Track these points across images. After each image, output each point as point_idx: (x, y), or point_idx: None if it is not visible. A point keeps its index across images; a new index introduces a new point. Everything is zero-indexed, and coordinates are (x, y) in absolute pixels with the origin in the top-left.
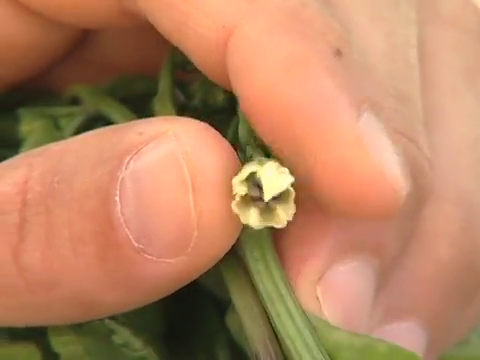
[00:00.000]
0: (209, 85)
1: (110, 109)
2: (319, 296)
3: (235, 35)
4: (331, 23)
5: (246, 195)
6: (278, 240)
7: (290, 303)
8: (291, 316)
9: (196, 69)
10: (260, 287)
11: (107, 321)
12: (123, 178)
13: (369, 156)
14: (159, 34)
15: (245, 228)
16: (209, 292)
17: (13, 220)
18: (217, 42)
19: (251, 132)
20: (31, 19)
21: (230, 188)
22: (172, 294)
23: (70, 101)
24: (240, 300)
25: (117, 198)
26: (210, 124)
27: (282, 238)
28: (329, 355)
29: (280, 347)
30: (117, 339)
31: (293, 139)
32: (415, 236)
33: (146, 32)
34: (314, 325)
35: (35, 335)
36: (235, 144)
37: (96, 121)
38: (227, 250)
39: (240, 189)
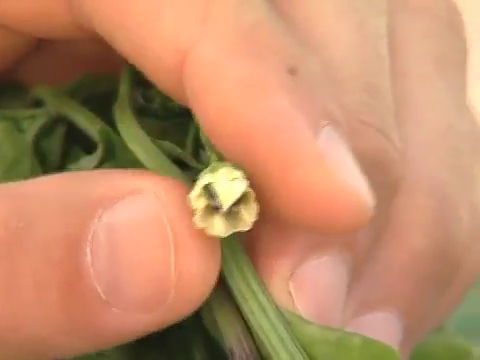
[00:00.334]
0: None
1: (72, 111)
2: (292, 291)
3: (190, 59)
4: (285, 41)
5: (207, 206)
6: (249, 239)
7: (263, 299)
8: (264, 312)
9: None
10: (232, 285)
11: None
12: (95, 230)
13: (331, 173)
14: None
15: None
16: None
17: None
18: (174, 66)
19: None
20: None
21: (211, 248)
22: None
23: (33, 103)
24: (213, 297)
25: (88, 249)
26: (170, 128)
27: (253, 236)
28: (304, 349)
29: (254, 342)
30: None
31: (254, 162)
32: (388, 227)
33: None
34: (288, 320)
35: None
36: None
37: (58, 123)
38: (201, 303)
39: (198, 203)
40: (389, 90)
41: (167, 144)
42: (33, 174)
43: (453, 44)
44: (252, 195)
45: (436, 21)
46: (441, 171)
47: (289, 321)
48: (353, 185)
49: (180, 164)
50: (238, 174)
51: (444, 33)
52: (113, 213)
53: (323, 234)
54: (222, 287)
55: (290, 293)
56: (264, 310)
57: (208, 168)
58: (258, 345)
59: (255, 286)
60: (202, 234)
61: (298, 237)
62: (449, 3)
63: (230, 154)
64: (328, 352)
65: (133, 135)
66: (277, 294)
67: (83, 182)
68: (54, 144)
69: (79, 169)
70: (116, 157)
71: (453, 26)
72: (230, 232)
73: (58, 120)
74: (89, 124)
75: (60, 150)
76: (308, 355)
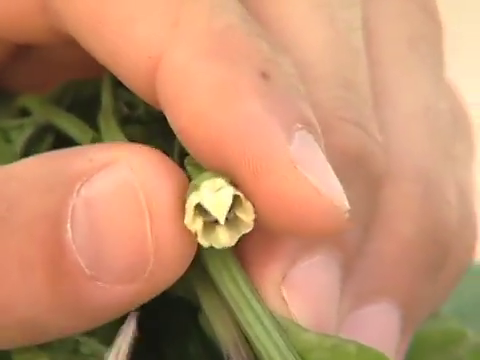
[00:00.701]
0: None
1: (60, 119)
2: (285, 296)
3: (162, 65)
4: (257, 44)
5: (205, 223)
6: (238, 249)
7: (257, 307)
8: (260, 320)
9: None
10: (226, 295)
11: None
12: (74, 205)
13: (304, 178)
14: None
15: None
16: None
17: None
18: (146, 72)
19: None
20: None
21: (183, 212)
22: None
23: (19, 112)
24: (209, 306)
25: (68, 225)
26: (155, 133)
27: (241, 246)
28: (300, 356)
29: (252, 349)
30: (84, 349)
31: (227, 168)
32: (376, 219)
33: None
34: (284, 327)
35: None
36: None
37: (46, 132)
38: (182, 272)
39: (196, 226)
40: (366, 83)
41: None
42: None
43: (426, 23)
44: (242, 195)
45: (407, 2)
46: (423, 156)
47: (285, 328)
48: (326, 190)
49: None
50: (221, 182)
51: (416, 13)
52: (90, 186)
53: (300, 239)
54: (217, 294)
55: (283, 298)
56: (259, 319)
57: (190, 187)
58: (255, 353)
59: (249, 295)
60: (175, 203)
61: (286, 241)
62: None
63: (204, 161)
64: (324, 359)
65: None
66: (271, 300)
67: (61, 159)
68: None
69: None
70: None
71: (426, 6)
72: (236, 238)
73: (46, 129)
74: (80, 133)
75: None
76: None
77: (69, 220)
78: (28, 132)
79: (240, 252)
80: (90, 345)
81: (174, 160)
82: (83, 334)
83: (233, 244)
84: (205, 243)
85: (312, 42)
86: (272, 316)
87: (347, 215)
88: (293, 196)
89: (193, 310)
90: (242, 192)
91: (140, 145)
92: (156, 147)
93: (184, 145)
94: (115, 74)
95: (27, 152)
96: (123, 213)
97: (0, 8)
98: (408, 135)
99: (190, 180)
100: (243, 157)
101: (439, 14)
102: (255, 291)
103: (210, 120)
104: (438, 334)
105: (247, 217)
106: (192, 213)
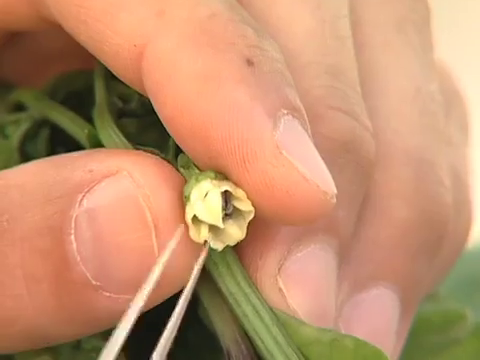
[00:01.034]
0: None
1: (55, 113)
2: (282, 287)
3: (147, 54)
4: (241, 31)
5: (211, 226)
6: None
7: (255, 301)
8: (258, 315)
9: None
10: (224, 290)
11: None
12: (77, 216)
13: (290, 164)
14: None
15: None
16: None
17: None
18: (131, 61)
19: None
20: None
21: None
22: None
23: (14, 107)
24: (209, 301)
25: (72, 237)
26: (150, 125)
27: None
28: (299, 350)
29: (251, 344)
30: (86, 345)
31: (215, 156)
32: (369, 204)
33: None
34: (282, 321)
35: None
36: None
37: (42, 126)
38: (188, 279)
39: (203, 235)
40: (353, 69)
41: (148, 149)
42: None
43: (412, 6)
44: (231, 187)
45: None
46: (415, 137)
47: (284, 323)
48: (313, 175)
49: None
50: (207, 185)
51: None
52: (92, 197)
53: (287, 225)
54: (217, 290)
55: (280, 289)
56: (258, 313)
57: (184, 199)
58: (255, 347)
59: (247, 289)
60: (178, 212)
61: (280, 231)
62: None
63: (189, 150)
64: (323, 353)
65: (113, 143)
66: (268, 293)
67: (61, 167)
68: (39, 148)
69: None
70: None
71: None
72: (245, 228)
73: (42, 123)
74: (76, 127)
75: (45, 153)
76: (303, 356)
77: (73, 231)
78: (24, 127)
79: (235, 245)
80: (92, 341)
81: (170, 161)
82: None
83: (245, 234)
84: (219, 245)
85: (298, 30)
86: (271, 310)
87: (334, 200)
88: (280, 182)
89: (192, 297)
90: (231, 181)
91: (139, 152)
92: (151, 140)
93: (171, 134)
94: (102, 61)
95: (23, 147)
96: (127, 224)
97: None
98: (398, 118)
99: (186, 182)
100: (228, 145)
101: None
102: (253, 286)
103: (195, 108)
104: (438, 316)
105: (246, 204)
106: (194, 227)
